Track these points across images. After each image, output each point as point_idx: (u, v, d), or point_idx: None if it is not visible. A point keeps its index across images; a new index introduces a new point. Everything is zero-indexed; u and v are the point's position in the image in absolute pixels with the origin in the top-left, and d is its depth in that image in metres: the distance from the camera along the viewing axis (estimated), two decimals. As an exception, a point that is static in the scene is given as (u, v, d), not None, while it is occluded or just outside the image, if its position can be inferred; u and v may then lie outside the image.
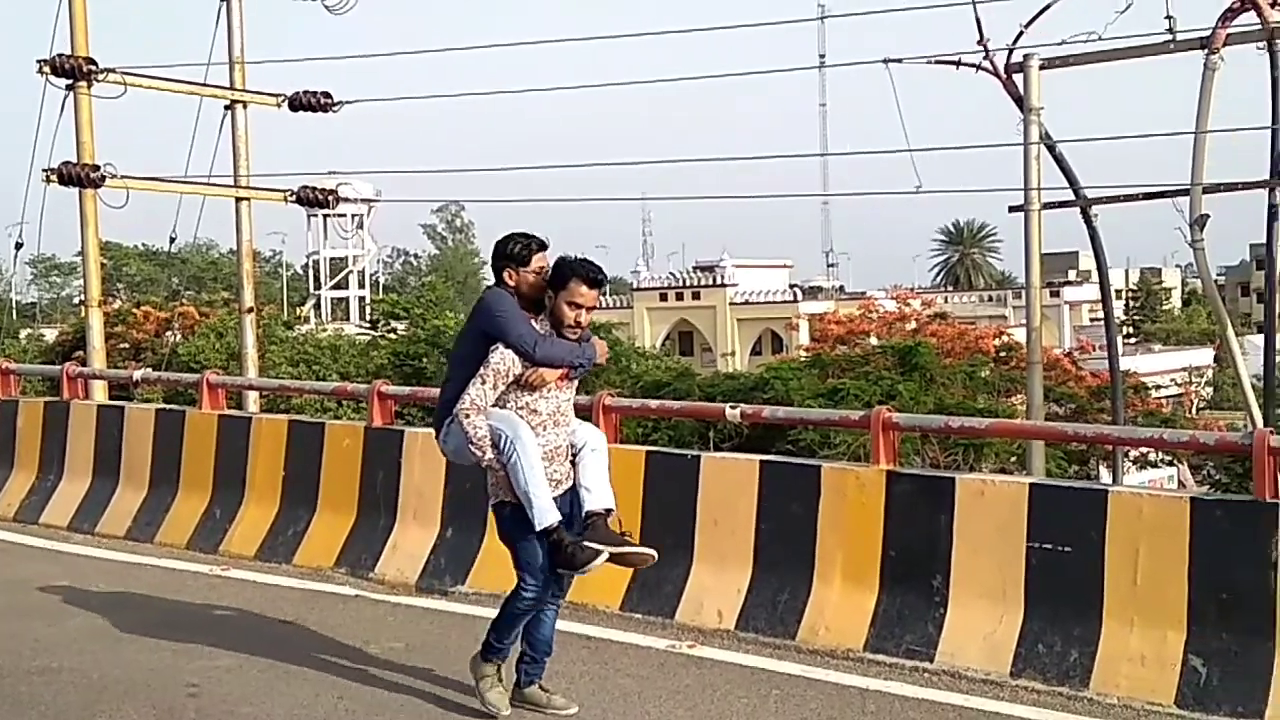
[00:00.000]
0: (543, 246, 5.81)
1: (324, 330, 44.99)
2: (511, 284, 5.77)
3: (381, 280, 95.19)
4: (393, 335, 36.51)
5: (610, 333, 31.26)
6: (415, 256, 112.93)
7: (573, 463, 5.85)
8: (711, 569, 7.49)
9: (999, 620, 6.58)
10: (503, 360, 5.62)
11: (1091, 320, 64.65)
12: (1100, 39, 13.78)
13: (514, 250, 5.78)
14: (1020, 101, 14.53)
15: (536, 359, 5.65)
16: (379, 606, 8.03)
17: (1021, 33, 14.54)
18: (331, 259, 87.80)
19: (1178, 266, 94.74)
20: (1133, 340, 72.84)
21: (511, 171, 37.98)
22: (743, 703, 6.18)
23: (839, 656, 6.79)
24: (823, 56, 77.77)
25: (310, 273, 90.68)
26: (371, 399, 9.23)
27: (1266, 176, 13.51)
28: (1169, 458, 29.37)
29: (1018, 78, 14.62)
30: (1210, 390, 51.00)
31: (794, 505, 7.34)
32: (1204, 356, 54.08)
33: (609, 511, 5.78)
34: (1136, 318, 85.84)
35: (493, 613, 7.65)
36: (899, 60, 14.69)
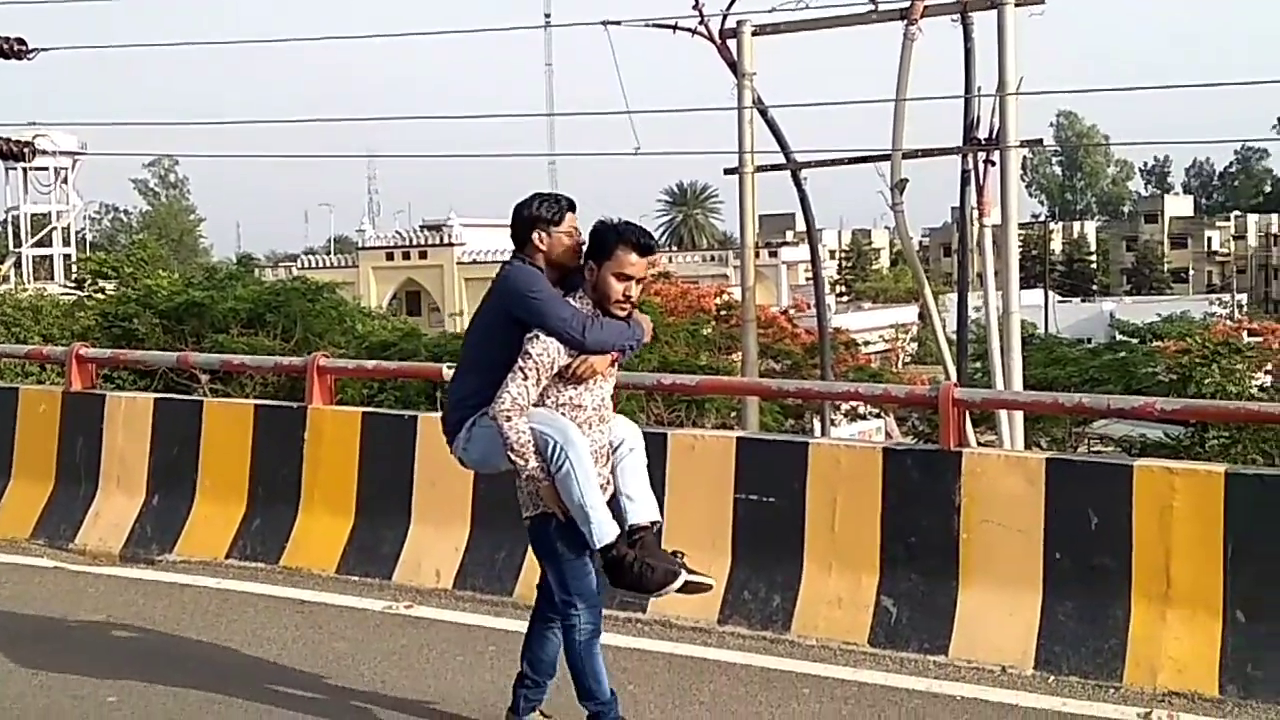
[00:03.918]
0: (572, 206, 5.00)
1: (25, 290, 42.37)
2: (543, 248, 4.90)
3: (89, 238, 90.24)
4: (101, 295, 34.67)
5: (335, 292, 30.50)
6: (126, 213, 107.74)
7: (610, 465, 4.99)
8: (430, 529, 7.49)
9: (708, 569, 6.77)
10: (546, 350, 4.73)
11: (807, 280, 67.03)
12: (808, 7, 14.27)
13: (542, 210, 4.93)
14: (734, 67, 14.92)
15: (588, 345, 4.78)
16: (79, 578, 7.69)
17: (734, -1, 14.90)
18: (33, 215, 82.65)
19: (886, 228, 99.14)
20: (845, 299, 76.01)
21: (230, 126, 36.57)
22: (459, 660, 6.22)
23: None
24: (548, 16, 77.79)
25: (9, 230, 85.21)
26: (70, 362, 8.80)
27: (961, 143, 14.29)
28: (877, 411, 30.79)
29: (732, 43, 15.00)
30: (915, 346, 53.69)
31: (511, 463, 7.38)
32: (910, 314, 56.79)
33: (655, 524, 4.94)
34: (848, 277, 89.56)
35: (205, 580, 7.53)
36: (617, 22, 14.87)
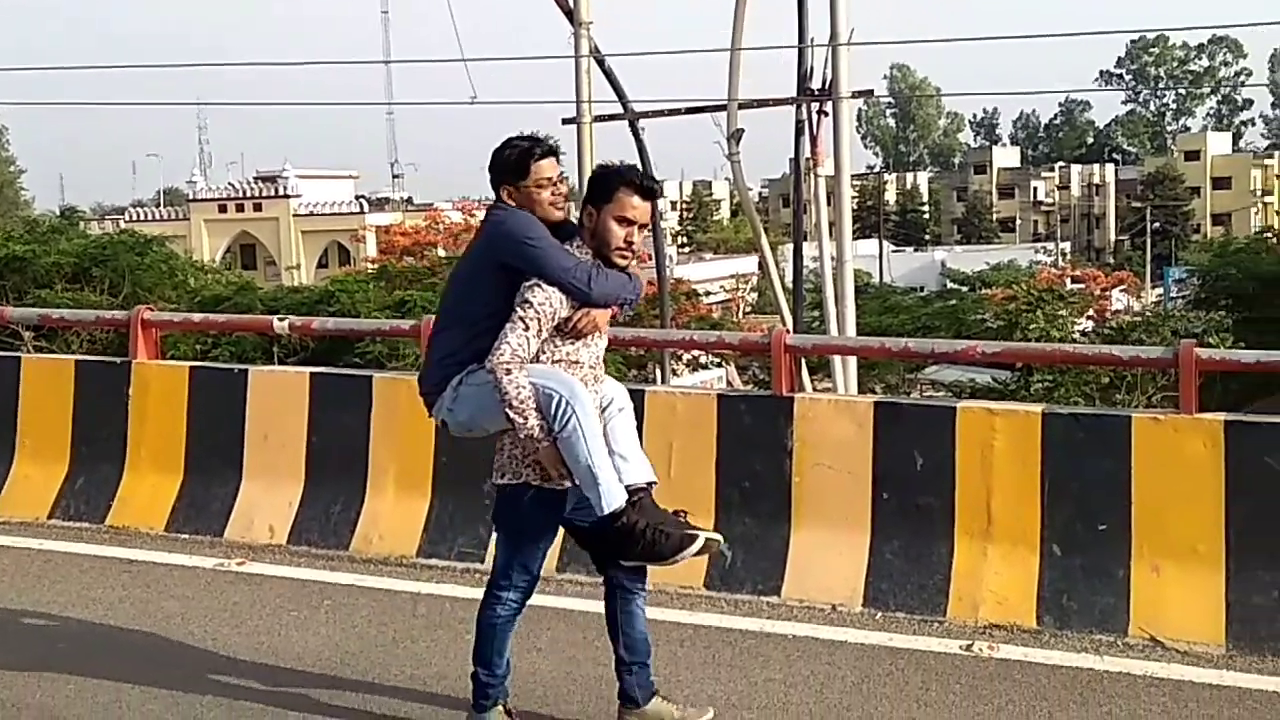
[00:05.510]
0: (549, 152, 4.58)
1: None
2: (511, 204, 4.53)
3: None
4: (-88, 251, 33.15)
5: (165, 246, 29.60)
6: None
7: None
8: (262, 484, 7.36)
9: (546, 519, 6.81)
10: (548, 300, 4.37)
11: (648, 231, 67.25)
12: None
13: (507, 158, 4.54)
14: (571, 15, 14.83)
15: (594, 297, 4.42)
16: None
17: (571, -54, 14.77)
18: None
19: (726, 180, 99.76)
20: (686, 250, 76.47)
21: (50, 72, 35.04)
22: (293, 615, 6.14)
23: (392, 564, 6.85)
24: (383, -38, 76.28)
25: None
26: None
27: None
28: (719, 360, 31.15)
29: (569, -9, 14.89)
30: (755, 296, 54.39)
31: (346, 417, 7.30)
32: (750, 265, 57.47)
33: (652, 485, 4.60)
34: (689, 228, 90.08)
35: (27, 542, 7.26)
36: (452, -31, 14.63)
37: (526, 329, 4.36)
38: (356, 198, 69.74)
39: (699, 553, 4.54)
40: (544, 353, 4.46)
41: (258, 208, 66.99)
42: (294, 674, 5.42)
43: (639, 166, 4.62)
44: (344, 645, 5.72)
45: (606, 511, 4.40)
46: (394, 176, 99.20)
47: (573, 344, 4.50)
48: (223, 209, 67.65)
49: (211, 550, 7.12)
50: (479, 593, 6.32)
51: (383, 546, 6.97)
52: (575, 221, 4.62)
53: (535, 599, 6.24)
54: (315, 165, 72.35)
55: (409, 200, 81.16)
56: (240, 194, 68.39)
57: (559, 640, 5.79)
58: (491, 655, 4.73)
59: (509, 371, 4.33)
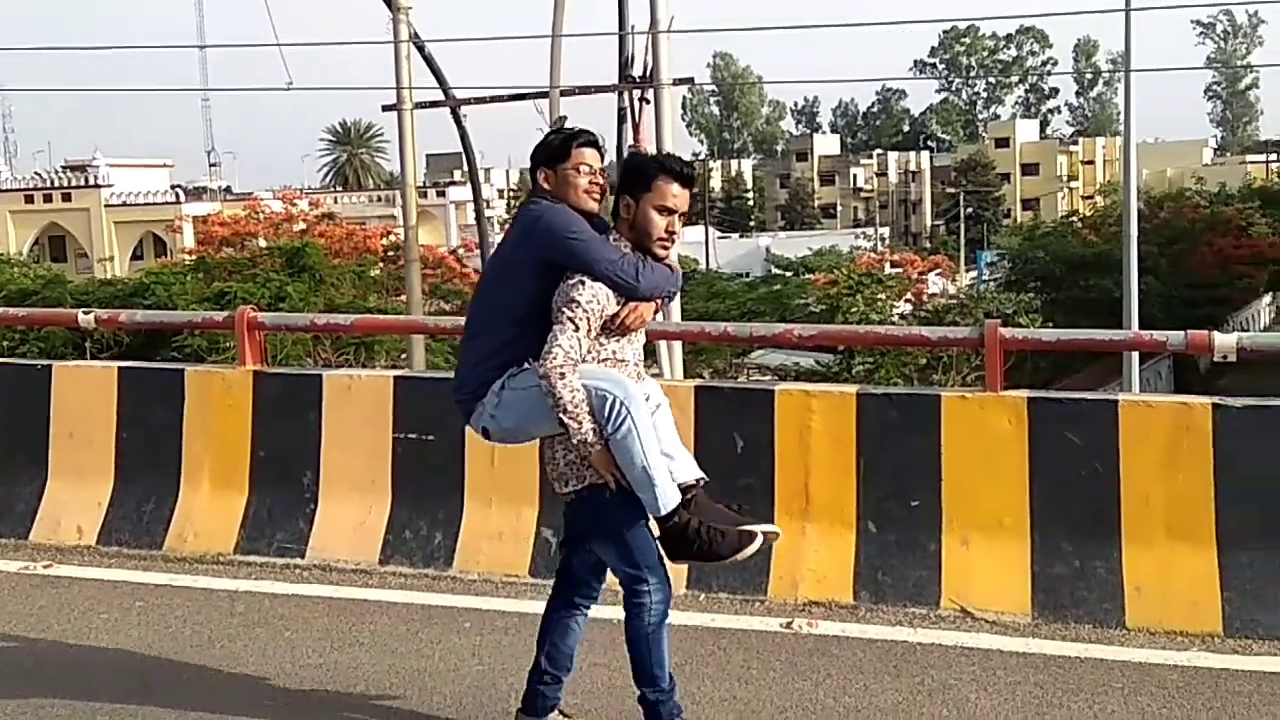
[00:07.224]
0: (592, 142, 4.40)
1: None
2: (548, 188, 4.35)
3: None
4: None
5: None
6: None
7: None
8: (69, 483, 7.10)
9: (368, 511, 6.73)
10: (595, 297, 4.17)
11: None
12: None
13: (550, 142, 4.38)
14: (390, 0, 14.64)
15: (641, 289, 4.24)
16: None
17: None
18: None
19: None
20: (514, 238, 75.98)
21: None
22: (103, 618, 5.94)
23: (208, 562, 6.68)
24: (196, -56, 74.03)
25: None
26: None
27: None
28: (547, 348, 31.19)
29: (387, -25, 14.69)
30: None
31: (158, 411, 7.09)
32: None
33: (701, 481, 4.40)
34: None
35: None
36: (264, -49, 14.30)
37: (577, 329, 4.17)
38: (172, 187, 67.64)
39: (758, 551, 4.36)
40: (590, 352, 4.26)
41: (67, 198, 64.43)
42: (104, 679, 5.24)
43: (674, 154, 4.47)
44: (157, 647, 5.56)
45: (662, 513, 4.23)
46: (211, 165, 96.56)
47: (618, 341, 4.32)
48: (29, 199, 64.90)
49: (16, 553, 6.85)
50: (300, 588, 6.32)
51: (198, 544, 6.79)
52: (605, 217, 4.46)
53: (355, 591, 6.26)
54: (127, 153, 69.92)
55: (228, 189, 79.15)
56: (48, 184, 65.68)
57: (381, 633, 5.72)
58: (656, 670, 4.40)
59: (563, 375, 4.14)
